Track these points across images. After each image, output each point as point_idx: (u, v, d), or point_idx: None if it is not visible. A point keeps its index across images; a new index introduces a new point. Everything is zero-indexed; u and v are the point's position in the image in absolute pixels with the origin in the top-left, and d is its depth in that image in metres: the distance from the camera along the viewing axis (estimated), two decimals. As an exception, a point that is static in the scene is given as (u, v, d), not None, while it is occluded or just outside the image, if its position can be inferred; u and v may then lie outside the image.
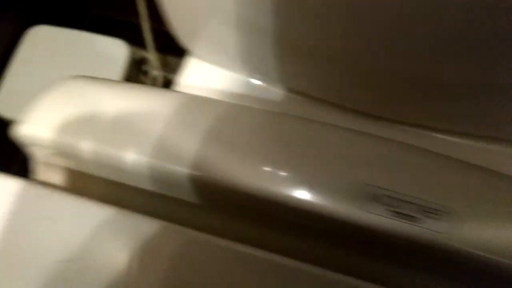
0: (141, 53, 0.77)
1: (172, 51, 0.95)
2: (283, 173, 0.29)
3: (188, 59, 0.51)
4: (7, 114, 0.68)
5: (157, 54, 0.81)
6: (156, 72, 0.83)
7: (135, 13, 0.66)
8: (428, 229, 0.26)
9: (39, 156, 0.36)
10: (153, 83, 0.85)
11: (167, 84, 0.92)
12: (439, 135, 0.40)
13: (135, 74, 0.78)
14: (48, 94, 0.35)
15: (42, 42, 0.72)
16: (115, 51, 0.72)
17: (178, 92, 0.43)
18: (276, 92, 0.47)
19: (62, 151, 0.33)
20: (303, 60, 0.37)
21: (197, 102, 0.33)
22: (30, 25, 0.73)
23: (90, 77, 0.38)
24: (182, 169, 0.29)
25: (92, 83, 0.36)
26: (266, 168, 0.29)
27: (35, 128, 0.33)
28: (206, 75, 0.50)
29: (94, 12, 0.94)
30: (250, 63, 0.44)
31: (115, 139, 0.31)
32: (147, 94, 0.36)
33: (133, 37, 0.74)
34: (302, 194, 0.28)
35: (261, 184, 0.28)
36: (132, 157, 0.30)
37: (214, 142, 0.30)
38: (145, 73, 0.82)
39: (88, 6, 0.94)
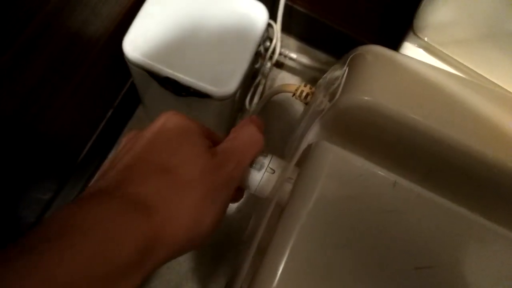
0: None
1: (289, 30, 0.89)
2: None
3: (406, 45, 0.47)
4: (132, 54, 0.59)
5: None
6: (276, 45, 0.77)
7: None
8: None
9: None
10: (270, 55, 0.78)
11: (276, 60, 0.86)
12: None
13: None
14: (362, 63, 0.30)
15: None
16: (255, 14, 0.65)
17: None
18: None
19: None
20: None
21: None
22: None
23: (384, 48, 0.33)
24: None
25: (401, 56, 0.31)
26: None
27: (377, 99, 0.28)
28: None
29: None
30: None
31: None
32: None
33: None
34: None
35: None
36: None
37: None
38: (264, 43, 0.76)
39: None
